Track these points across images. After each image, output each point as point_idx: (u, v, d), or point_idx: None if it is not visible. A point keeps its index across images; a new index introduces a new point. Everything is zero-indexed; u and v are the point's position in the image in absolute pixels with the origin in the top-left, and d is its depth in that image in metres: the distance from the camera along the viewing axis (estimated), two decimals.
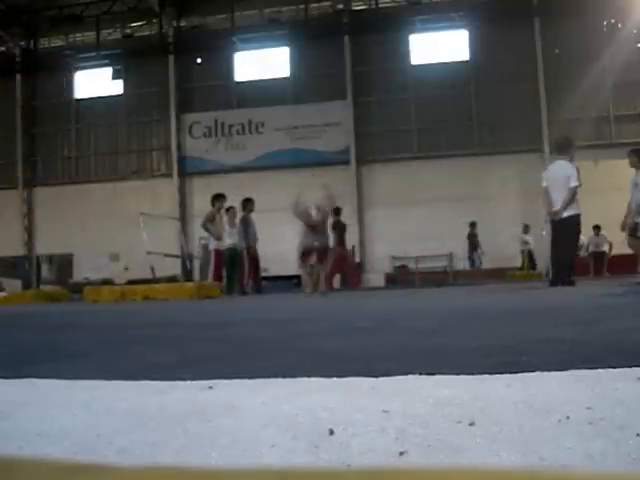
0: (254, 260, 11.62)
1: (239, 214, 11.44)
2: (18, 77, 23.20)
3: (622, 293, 4.58)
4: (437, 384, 0.96)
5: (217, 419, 0.79)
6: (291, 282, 14.96)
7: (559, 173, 7.90)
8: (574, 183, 7.83)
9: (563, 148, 8.11)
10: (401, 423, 0.72)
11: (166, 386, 1.07)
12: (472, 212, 19.16)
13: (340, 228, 12.50)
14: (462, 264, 18.84)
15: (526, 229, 17.75)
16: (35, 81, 23.43)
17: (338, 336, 2.02)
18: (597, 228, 16.45)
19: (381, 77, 21.04)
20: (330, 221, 9.00)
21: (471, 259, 17.54)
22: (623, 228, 9.24)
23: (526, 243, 17.73)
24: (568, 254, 8.08)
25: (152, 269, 14.29)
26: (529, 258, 17.80)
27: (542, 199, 7.98)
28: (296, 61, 21.57)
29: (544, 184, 7.98)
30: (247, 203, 11.60)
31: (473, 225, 17.53)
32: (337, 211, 12.33)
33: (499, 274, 16.47)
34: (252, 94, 21.37)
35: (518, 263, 18.21)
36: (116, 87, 22.84)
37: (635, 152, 8.55)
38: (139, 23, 22.73)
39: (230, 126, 21.73)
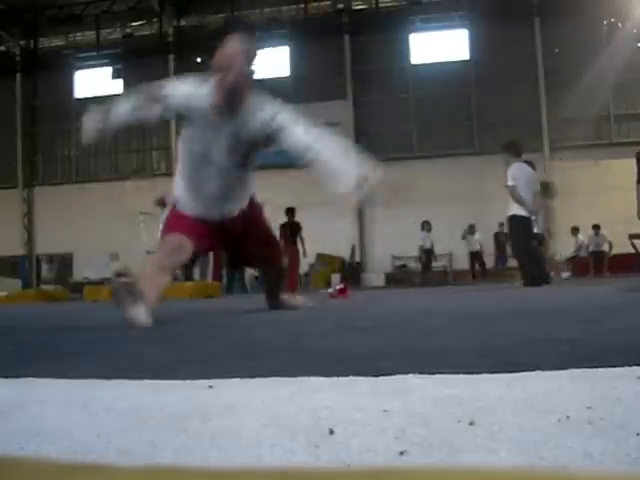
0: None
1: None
2: (18, 77, 23.21)
3: (622, 293, 4.58)
4: (437, 383, 0.96)
5: (217, 419, 0.79)
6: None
7: (528, 174, 8.16)
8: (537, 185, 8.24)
9: (520, 151, 8.36)
10: (401, 423, 0.72)
11: (166, 386, 1.07)
12: (472, 212, 19.17)
13: (294, 228, 12.37)
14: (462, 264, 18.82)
15: (472, 229, 17.37)
16: (35, 81, 23.44)
17: (338, 336, 2.02)
18: (597, 227, 16.44)
19: (381, 76, 21.03)
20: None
21: (501, 259, 17.11)
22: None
23: (472, 243, 17.28)
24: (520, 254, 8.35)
25: None
26: (478, 260, 17.41)
27: (518, 197, 8.08)
28: (296, 60, 21.57)
29: (512, 183, 8.06)
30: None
31: (502, 225, 17.28)
32: (291, 211, 12.15)
33: (498, 274, 16.50)
34: None
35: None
36: (116, 87, 22.84)
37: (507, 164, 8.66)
38: (139, 22, 22.74)
39: None
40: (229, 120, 3.13)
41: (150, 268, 3.16)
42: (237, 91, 3.05)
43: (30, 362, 1.57)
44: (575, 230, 17.07)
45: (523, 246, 8.10)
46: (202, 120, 3.17)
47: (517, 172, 7.98)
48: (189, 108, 3.17)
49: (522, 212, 7.99)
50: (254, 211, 3.59)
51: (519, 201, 7.98)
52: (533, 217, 8.10)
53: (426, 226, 16.16)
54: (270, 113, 3.12)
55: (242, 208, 3.48)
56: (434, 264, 17.07)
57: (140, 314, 2.74)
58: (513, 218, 8.05)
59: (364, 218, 21.05)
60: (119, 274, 3.00)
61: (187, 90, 3.18)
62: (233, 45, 2.98)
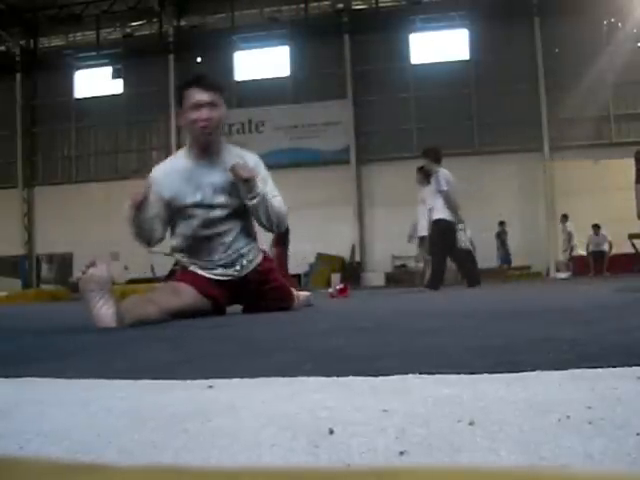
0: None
1: None
2: (18, 77, 23.23)
3: (622, 293, 4.58)
4: (437, 383, 0.96)
5: (217, 419, 0.79)
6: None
7: (453, 181, 8.02)
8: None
9: (440, 157, 8.32)
10: (401, 422, 0.72)
11: (166, 386, 1.07)
12: (472, 212, 19.14)
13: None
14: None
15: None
16: (35, 81, 23.45)
17: (338, 335, 2.02)
18: (597, 227, 16.43)
19: (381, 76, 21.04)
20: None
21: (504, 256, 17.08)
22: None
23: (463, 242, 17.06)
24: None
25: (152, 268, 14.30)
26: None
27: (453, 203, 8.00)
28: (296, 60, 21.58)
29: (447, 188, 7.96)
30: None
31: (502, 224, 17.25)
32: None
33: (498, 274, 16.50)
34: (252, 93, 21.37)
35: (517, 262, 18.18)
36: (116, 86, 22.85)
37: (421, 170, 8.85)
38: (139, 22, 22.75)
39: (230, 125, 21.73)
40: (209, 170, 3.38)
41: (139, 298, 3.19)
42: (210, 143, 3.33)
43: (30, 362, 1.57)
44: (564, 217, 16.95)
45: (446, 251, 8.11)
46: (185, 183, 3.39)
47: (448, 178, 7.93)
48: (172, 181, 3.40)
49: (449, 217, 7.90)
50: (267, 270, 3.66)
51: (452, 206, 7.85)
52: (460, 225, 8.06)
53: None
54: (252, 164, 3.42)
55: (256, 265, 3.56)
56: None
57: (107, 313, 2.61)
58: (440, 222, 7.94)
59: (364, 218, 21.05)
60: (90, 264, 2.77)
61: (165, 169, 3.50)
62: (194, 99, 3.21)
